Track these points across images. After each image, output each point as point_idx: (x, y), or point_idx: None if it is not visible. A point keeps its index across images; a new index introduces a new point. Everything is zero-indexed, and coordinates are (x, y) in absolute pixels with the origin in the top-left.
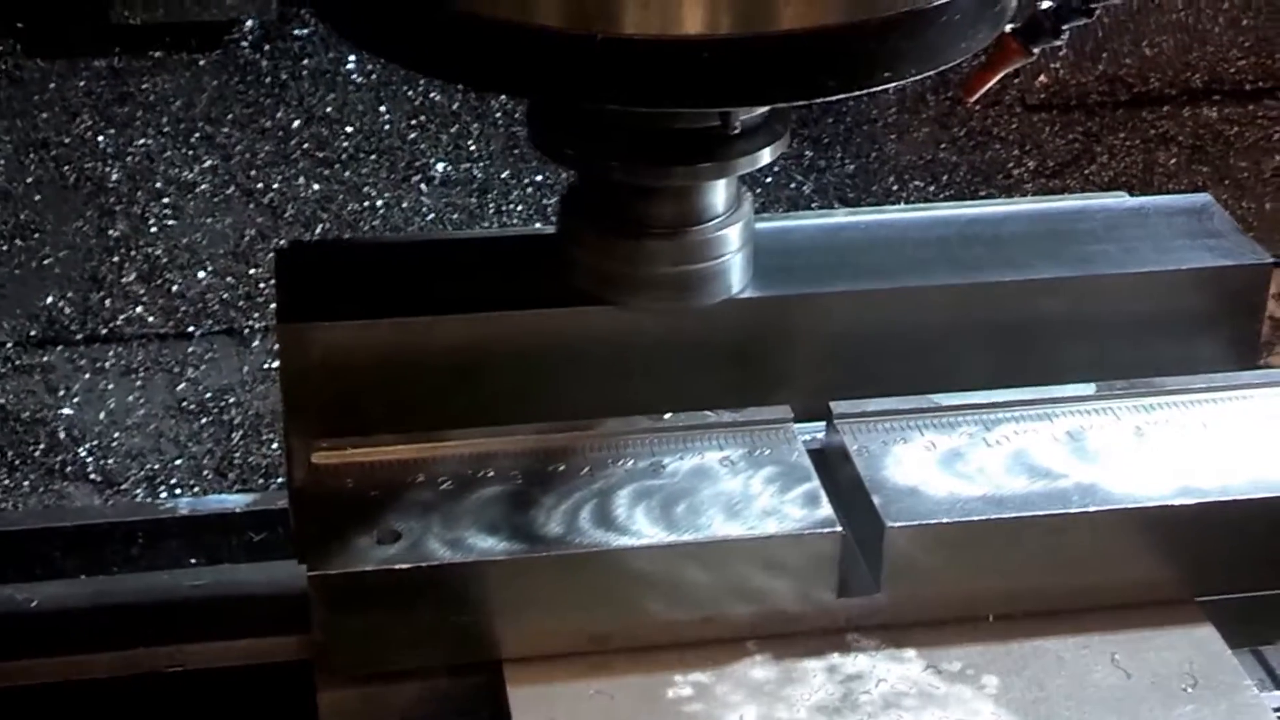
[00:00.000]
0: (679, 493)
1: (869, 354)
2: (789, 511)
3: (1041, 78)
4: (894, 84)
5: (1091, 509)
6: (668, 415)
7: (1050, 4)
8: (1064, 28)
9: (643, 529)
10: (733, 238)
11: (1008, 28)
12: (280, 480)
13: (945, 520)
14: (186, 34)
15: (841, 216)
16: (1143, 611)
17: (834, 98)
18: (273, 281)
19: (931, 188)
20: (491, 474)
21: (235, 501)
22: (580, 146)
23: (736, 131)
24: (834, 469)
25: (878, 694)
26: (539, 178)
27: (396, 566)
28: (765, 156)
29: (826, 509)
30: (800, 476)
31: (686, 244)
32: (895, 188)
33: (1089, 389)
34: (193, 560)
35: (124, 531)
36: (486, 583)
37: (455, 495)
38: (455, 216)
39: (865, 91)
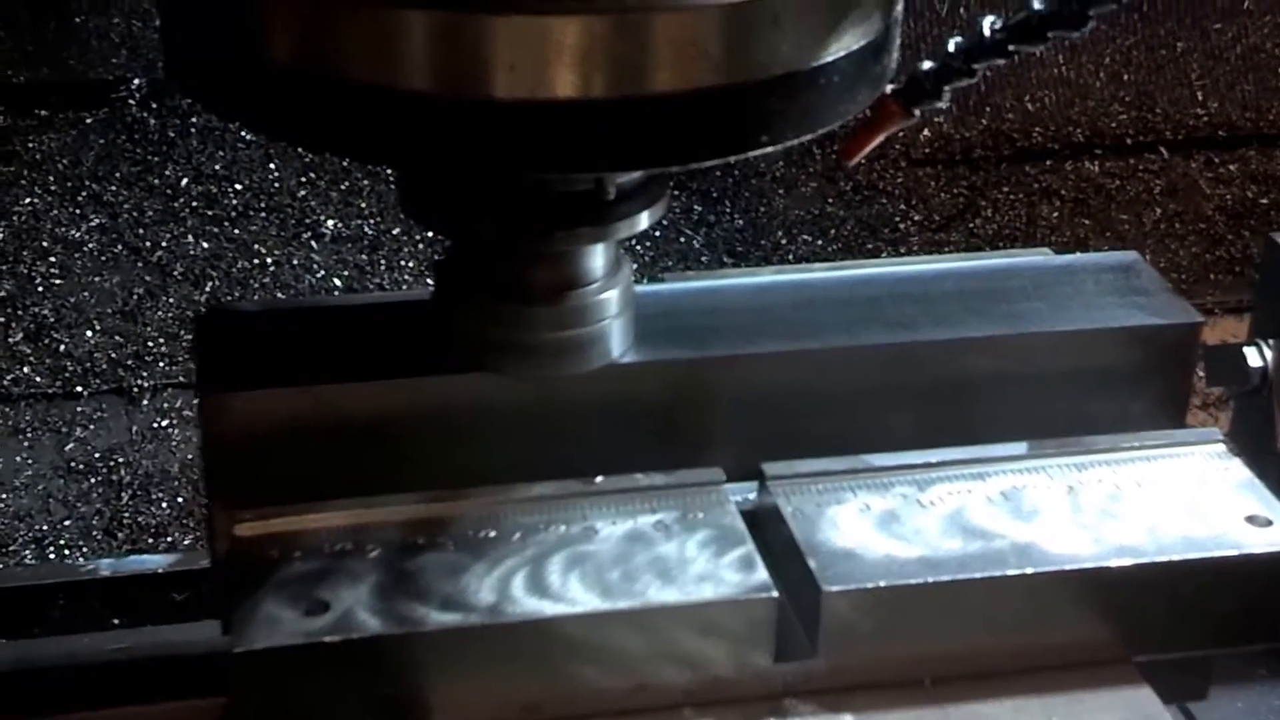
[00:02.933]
0: (613, 558)
1: (777, 416)
2: (725, 576)
3: (925, 132)
4: (771, 148)
5: (1028, 570)
6: (599, 479)
7: (931, 65)
8: (946, 88)
9: (577, 596)
10: (612, 302)
11: (888, 89)
12: (189, 540)
13: (882, 584)
14: (73, 92)
15: (768, 275)
16: (1080, 672)
17: (708, 162)
18: (160, 341)
19: (819, 241)
20: (421, 541)
21: (157, 562)
22: (451, 212)
23: (612, 196)
24: (768, 531)
25: None
26: (430, 234)
27: (325, 640)
28: (643, 221)
29: (762, 573)
30: (735, 540)
31: (565, 310)
32: (784, 241)
33: (1021, 448)
34: (115, 621)
35: (45, 592)
36: (418, 654)
37: (385, 563)
38: (346, 274)
39: (741, 156)
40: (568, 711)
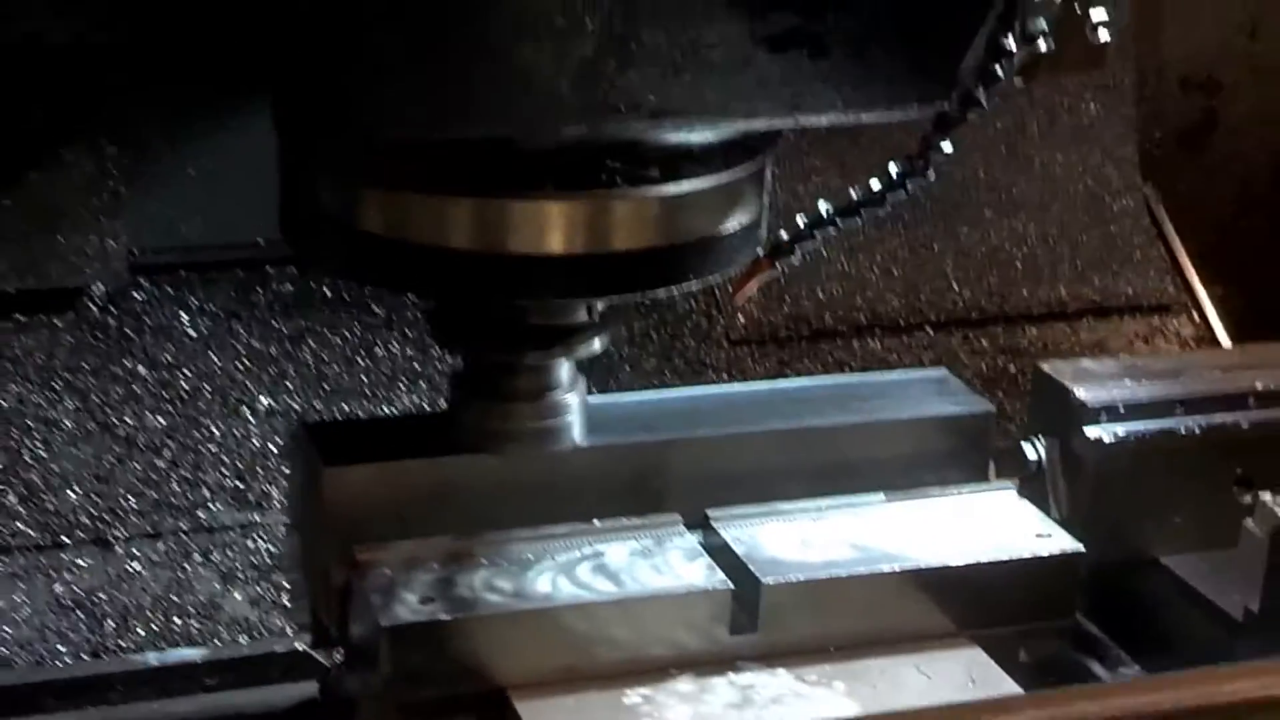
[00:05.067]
0: (619, 566)
1: (709, 482)
2: (694, 576)
3: (741, 319)
4: (693, 283)
5: (897, 568)
6: (596, 521)
7: (785, 235)
8: (796, 248)
9: (601, 587)
10: (575, 403)
11: (759, 251)
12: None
13: (803, 578)
14: (46, 299)
15: (680, 390)
16: (932, 640)
17: (653, 291)
18: (130, 499)
19: None
20: (484, 560)
21: (195, 654)
22: (467, 338)
23: (581, 324)
24: (715, 554)
25: (765, 696)
26: (346, 405)
27: (440, 618)
28: (597, 345)
29: (720, 573)
30: (696, 555)
31: (542, 406)
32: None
33: (880, 496)
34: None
35: (104, 681)
36: (495, 631)
37: (462, 573)
38: (278, 439)
39: (674, 287)
40: (592, 674)
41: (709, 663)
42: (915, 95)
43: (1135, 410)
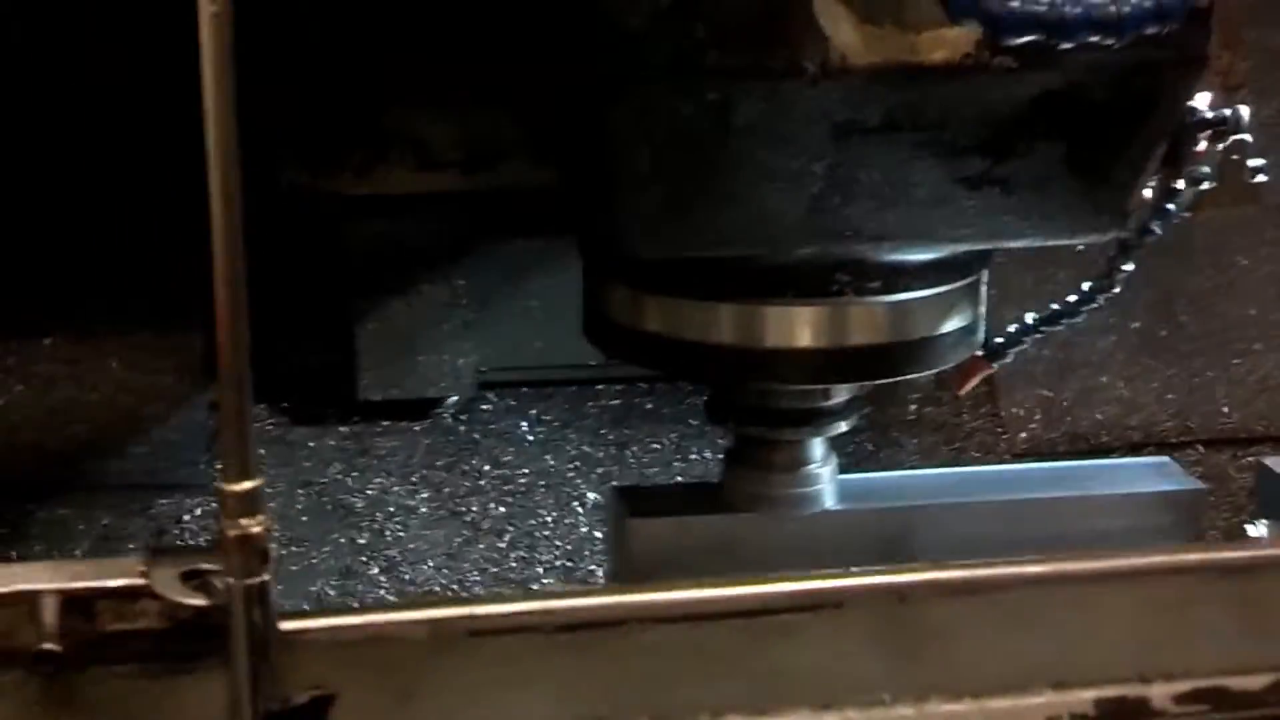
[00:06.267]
0: None
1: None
2: None
3: (1023, 434)
4: (918, 375)
5: None
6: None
7: (999, 340)
8: (1009, 353)
9: None
10: (826, 474)
11: (979, 351)
12: None
13: None
14: (407, 407)
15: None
16: None
17: (885, 380)
18: (476, 576)
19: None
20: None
21: None
22: (739, 419)
23: (828, 407)
24: None
25: None
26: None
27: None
28: (843, 425)
29: None
30: None
31: (799, 476)
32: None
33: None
34: None
35: None
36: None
37: None
38: (604, 530)
39: (901, 379)
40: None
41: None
42: (1093, 226)
43: None
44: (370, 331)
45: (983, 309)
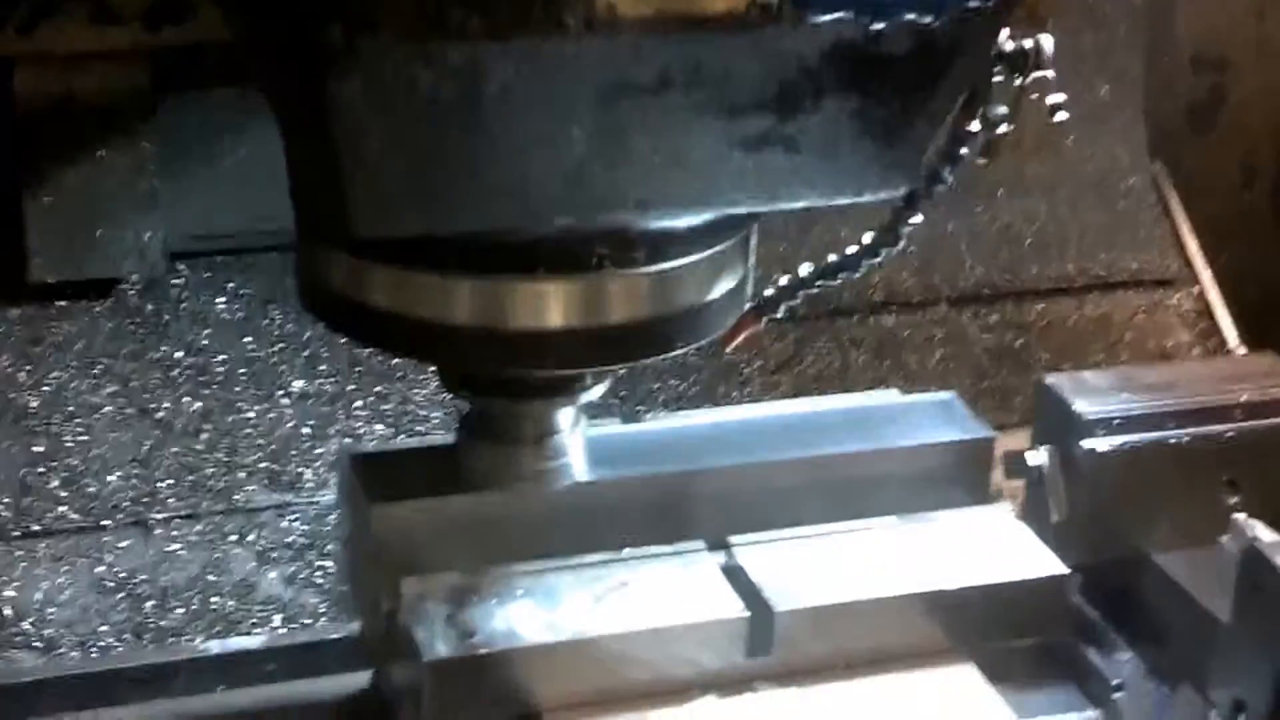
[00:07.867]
0: (645, 595)
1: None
2: (714, 604)
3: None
4: (681, 351)
5: (898, 592)
6: (625, 550)
7: (769, 292)
8: (779, 306)
9: (629, 616)
10: (577, 444)
11: (746, 307)
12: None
13: (815, 604)
14: (85, 287)
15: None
16: (928, 656)
17: (647, 360)
18: (170, 482)
19: (682, 385)
20: (521, 591)
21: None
22: (477, 389)
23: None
24: (735, 580)
25: (780, 711)
26: (378, 388)
27: (480, 651)
28: (600, 390)
29: (739, 600)
30: (717, 581)
31: (545, 448)
32: (655, 386)
33: (891, 519)
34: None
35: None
36: (534, 662)
37: (500, 605)
38: (312, 423)
39: (668, 356)
40: (622, 695)
41: (726, 683)
42: (883, 184)
43: (1129, 423)
44: (42, 205)
45: (752, 260)
